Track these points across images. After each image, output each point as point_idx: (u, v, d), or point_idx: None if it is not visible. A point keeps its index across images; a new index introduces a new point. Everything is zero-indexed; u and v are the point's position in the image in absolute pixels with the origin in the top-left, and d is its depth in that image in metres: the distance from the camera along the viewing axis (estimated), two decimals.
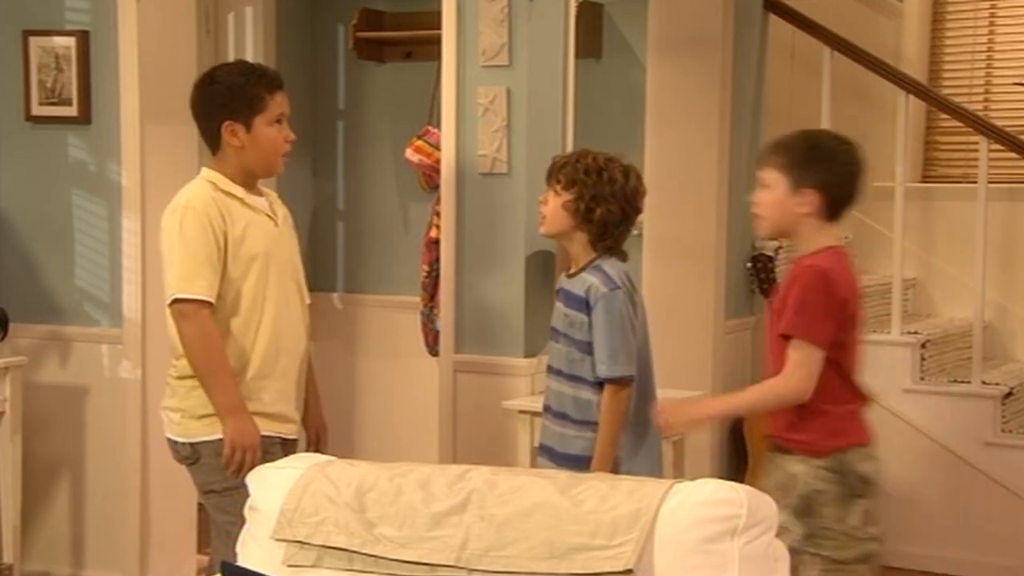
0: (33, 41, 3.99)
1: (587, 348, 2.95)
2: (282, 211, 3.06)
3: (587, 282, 2.96)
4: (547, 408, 3.08)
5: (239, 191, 2.94)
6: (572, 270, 3.04)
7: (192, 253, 2.83)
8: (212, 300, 2.84)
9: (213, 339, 2.84)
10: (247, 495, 2.54)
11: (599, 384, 2.93)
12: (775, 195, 2.65)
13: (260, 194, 3.03)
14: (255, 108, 2.90)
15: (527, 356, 3.68)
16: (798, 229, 2.66)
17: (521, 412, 3.61)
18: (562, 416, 3.01)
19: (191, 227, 2.84)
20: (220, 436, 2.89)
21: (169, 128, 3.97)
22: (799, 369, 2.55)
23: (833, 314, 2.57)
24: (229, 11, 4.80)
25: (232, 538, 2.84)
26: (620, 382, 2.92)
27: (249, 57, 4.80)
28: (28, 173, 4.09)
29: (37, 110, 4.02)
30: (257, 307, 2.91)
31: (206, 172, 2.98)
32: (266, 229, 2.96)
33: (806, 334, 2.56)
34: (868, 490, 2.64)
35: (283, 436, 2.98)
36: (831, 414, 2.61)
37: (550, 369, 3.06)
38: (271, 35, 4.83)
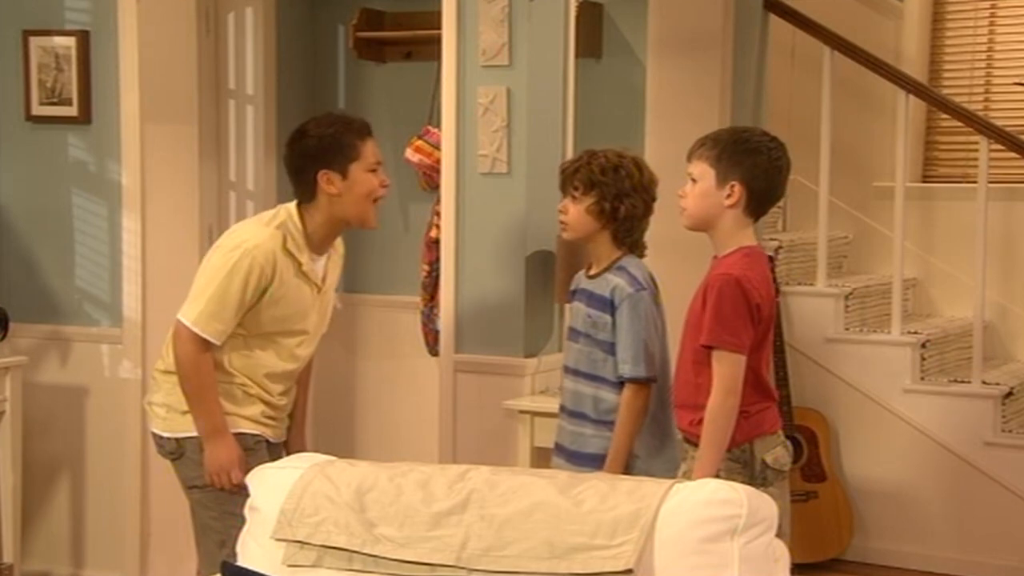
0: (33, 41, 3.99)
1: (610, 349, 2.93)
2: (334, 275, 3.07)
3: (612, 282, 2.95)
4: (562, 408, 3.07)
5: (305, 257, 2.94)
6: (593, 271, 3.02)
7: (225, 296, 2.85)
8: (215, 342, 2.88)
9: (206, 370, 2.88)
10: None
11: (621, 384, 2.92)
12: (702, 187, 2.69)
13: (330, 250, 3.03)
14: (350, 156, 2.92)
15: (527, 356, 3.68)
16: (719, 223, 2.70)
17: (521, 412, 3.62)
18: (580, 416, 2.99)
19: (240, 274, 2.85)
20: None
21: (169, 128, 3.97)
22: (727, 381, 2.62)
23: (751, 319, 2.64)
24: (229, 11, 4.80)
25: (214, 534, 2.85)
26: (642, 382, 2.92)
27: (248, 57, 4.80)
28: (28, 173, 4.08)
29: (37, 110, 4.02)
30: (267, 358, 2.96)
31: (290, 215, 2.95)
32: (305, 297, 2.98)
33: (727, 343, 2.62)
34: (775, 477, 2.70)
35: (268, 439, 3.01)
36: (745, 413, 2.67)
37: (566, 369, 3.05)
38: (271, 35, 4.82)
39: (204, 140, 4.33)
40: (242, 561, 2.28)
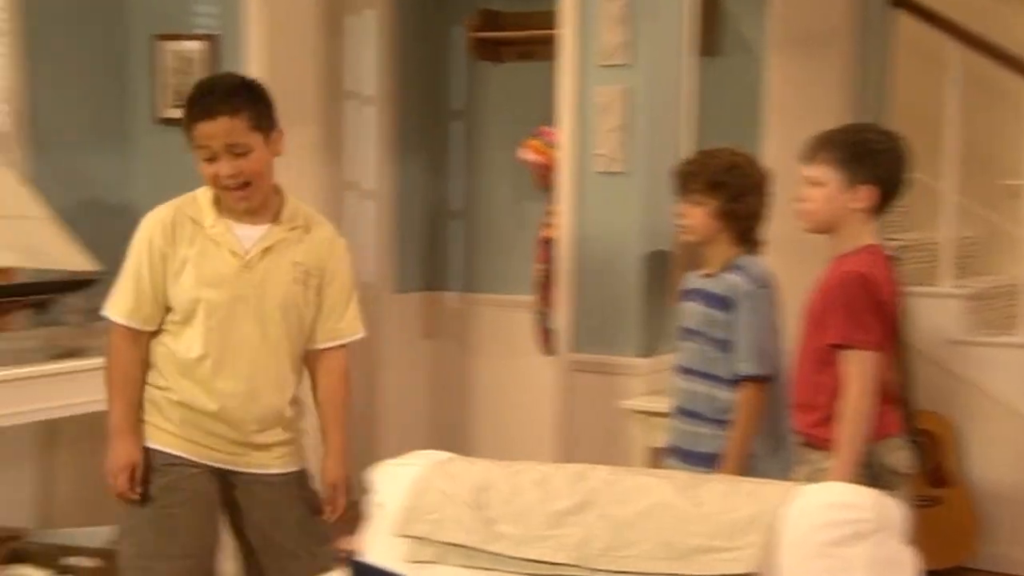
0: (163, 45, 4.11)
1: (725, 347, 2.92)
2: (305, 256, 2.68)
3: (730, 281, 2.93)
4: (677, 408, 3.06)
5: (208, 217, 2.65)
6: (708, 270, 3.01)
7: (125, 273, 2.69)
8: (129, 325, 2.66)
9: (118, 360, 2.67)
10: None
11: (735, 382, 2.91)
12: (828, 191, 2.64)
13: (270, 221, 2.68)
14: (187, 135, 2.63)
15: (644, 355, 3.66)
16: (845, 225, 2.65)
17: (637, 412, 3.60)
18: (694, 415, 2.98)
19: (135, 248, 2.68)
20: None
21: (291, 129, 4.04)
22: (861, 380, 2.57)
23: (878, 316, 2.58)
24: (349, 13, 4.88)
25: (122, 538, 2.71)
26: (760, 380, 2.89)
27: (370, 59, 4.84)
28: (158, 173, 4.21)
29: (166, 112, 4.14)
30: (195, 345, 2.65)
31: (201, 188, 2.72)
32: (220, 263, 2.64)
33: (859, 341, 2.57)
34: (899, 481, 2.64)
35: (207, 463, 2.69)
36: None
37: (679, 369, 3.04)
38: (390, 37, 4.89)
39: (326, 141, 4.42)
40: (369, 556, 2.31)
